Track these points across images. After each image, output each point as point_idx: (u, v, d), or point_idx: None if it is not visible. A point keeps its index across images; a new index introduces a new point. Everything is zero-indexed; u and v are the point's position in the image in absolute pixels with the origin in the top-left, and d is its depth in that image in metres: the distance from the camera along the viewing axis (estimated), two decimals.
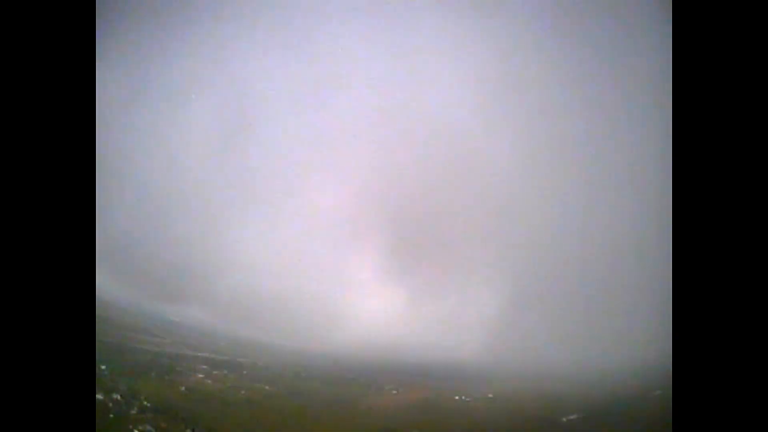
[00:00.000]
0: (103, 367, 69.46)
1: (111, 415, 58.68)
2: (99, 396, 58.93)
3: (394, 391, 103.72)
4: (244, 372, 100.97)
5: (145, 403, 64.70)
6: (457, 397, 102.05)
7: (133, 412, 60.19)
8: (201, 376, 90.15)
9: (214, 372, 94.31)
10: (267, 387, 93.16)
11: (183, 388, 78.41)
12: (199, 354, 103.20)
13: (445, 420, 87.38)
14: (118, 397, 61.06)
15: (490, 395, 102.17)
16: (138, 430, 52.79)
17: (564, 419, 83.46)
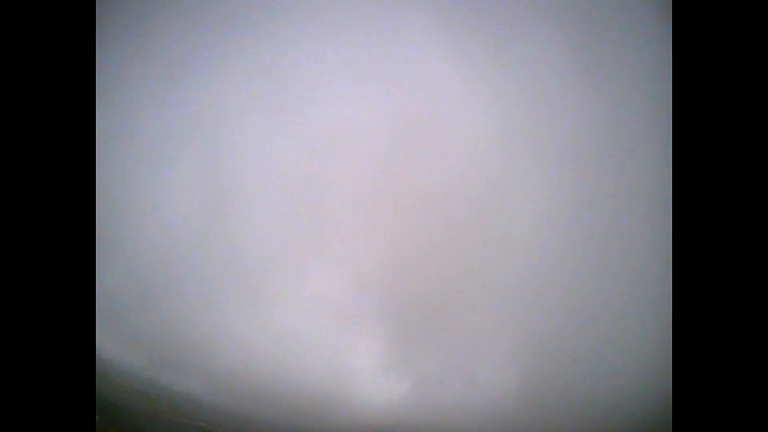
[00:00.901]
0: (98, 417, 72.34)
1: None
2: None
3: None
4: None
5: None
6: None
7: None
8: None
9: None
10: None
11: None
12: (195, 423, 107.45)
13: None
14: None
15: None
16: None
17: None
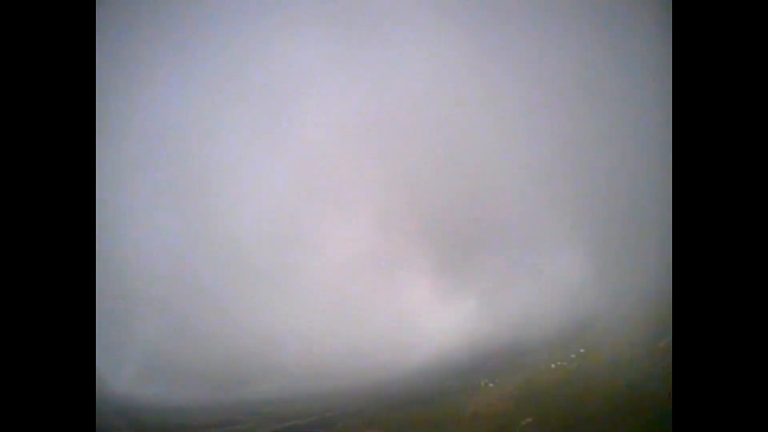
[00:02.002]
0: None
1: None
2: None
3: (491, 384, 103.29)
4: (340, 425, 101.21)
5: None
6: (553, 365, 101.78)
7: None
8: None
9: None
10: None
11: None
12: (287, 423, 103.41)
13: (551, 393, 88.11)
14: None
15: (581, 350, 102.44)
16: None
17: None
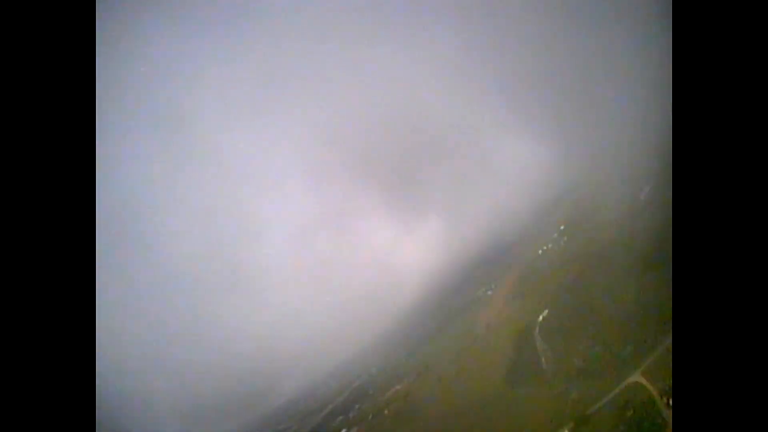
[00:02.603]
0: None
1: None
2: None
3: (489, 292, 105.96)
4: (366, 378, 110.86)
5: None
6: (540, 251, 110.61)
7: None
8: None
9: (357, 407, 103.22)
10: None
11: None
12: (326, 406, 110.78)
13: (548, 277, 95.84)
14: None
15: (562, 227, 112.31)
16: None
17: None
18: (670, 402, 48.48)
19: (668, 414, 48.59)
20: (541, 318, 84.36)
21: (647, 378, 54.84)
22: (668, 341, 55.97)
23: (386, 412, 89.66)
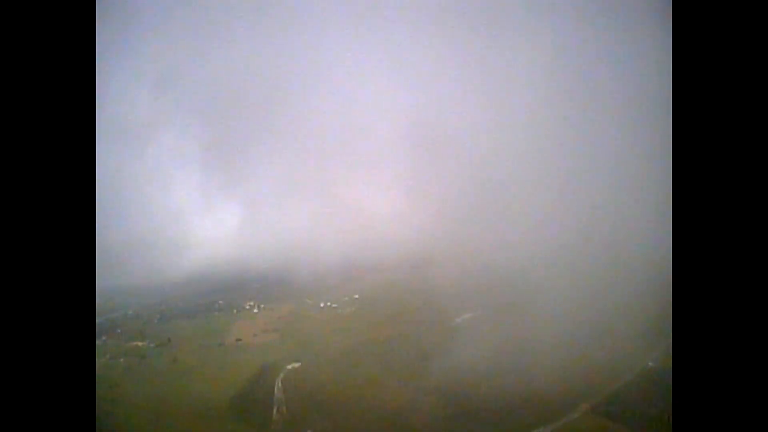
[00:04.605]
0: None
1: None
2: None
3: (256, 310, 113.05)
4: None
5: None
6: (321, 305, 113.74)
7: None
8: None
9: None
10: None
11: None
12: None
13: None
14: None
15: (356, 296, 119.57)
16: None
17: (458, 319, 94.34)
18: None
19: None
20: (290, 367, 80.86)
21: None
22: None
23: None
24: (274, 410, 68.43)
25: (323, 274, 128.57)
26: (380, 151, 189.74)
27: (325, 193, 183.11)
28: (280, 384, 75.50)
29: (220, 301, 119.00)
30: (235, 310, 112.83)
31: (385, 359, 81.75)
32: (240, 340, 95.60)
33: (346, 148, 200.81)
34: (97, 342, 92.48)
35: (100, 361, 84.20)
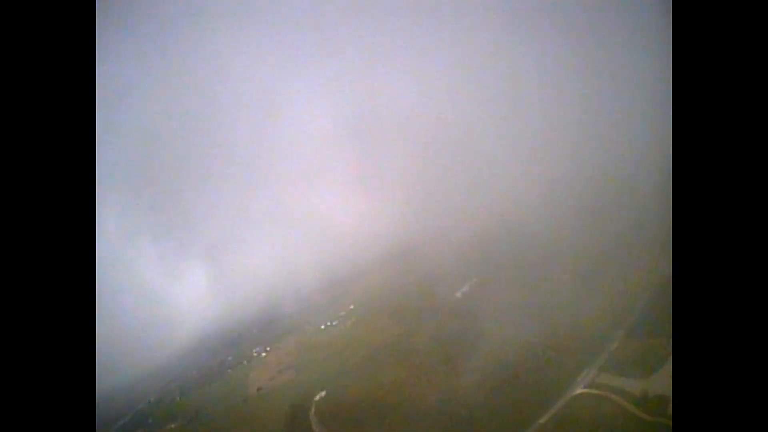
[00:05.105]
0: None
1: None
2: None
3: (263, 354, 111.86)
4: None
5: None
6: (323, 326, 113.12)
7: None
8: None
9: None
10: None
11: None
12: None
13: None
14: None
15: (351, 306, 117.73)
16: None
17: None
18: None
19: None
20: (317, 398, 79.80)
21: None
22: None
23: None
24: None
25: (310, 298, 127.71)
26: (320, 154, 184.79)
27: (282, 218, 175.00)
28: (314, 417, 75.06)
29: (229, 358, 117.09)
30: (245, 361, 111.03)
31: (403, 356, 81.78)
32: (260, 389, 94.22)
33: (289, 163, 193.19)
34: None
35: None
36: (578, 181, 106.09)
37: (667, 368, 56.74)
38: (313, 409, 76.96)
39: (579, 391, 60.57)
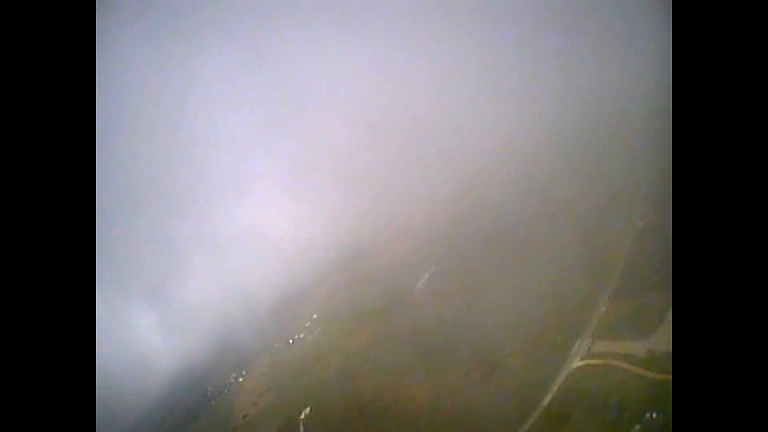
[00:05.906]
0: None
1: None
2: None
3: (241, 379, 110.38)
4: None
5: None
6: (290, 340, 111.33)
7: None
8: None
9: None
10: None
11: None
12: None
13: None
14: None
15: (315, 316, 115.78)
16: None
17: None
18: None
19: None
20: (303, 416, 78.97)
21: None
22: None
23: None
24: None
25: (267, 316, 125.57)
26: (243, 161, 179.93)
27: (216, 239, 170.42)
28: None
29: (209, 389, 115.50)
30: (225, 390, 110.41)
31: (378, 359, 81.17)
32: (246, 416, 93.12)
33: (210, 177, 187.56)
34: None
35: None
36: (548, 150, 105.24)
37: (669, 323, 53.06)
38: (301, 428, 76.21)
39: (577, 364, 58.43)
